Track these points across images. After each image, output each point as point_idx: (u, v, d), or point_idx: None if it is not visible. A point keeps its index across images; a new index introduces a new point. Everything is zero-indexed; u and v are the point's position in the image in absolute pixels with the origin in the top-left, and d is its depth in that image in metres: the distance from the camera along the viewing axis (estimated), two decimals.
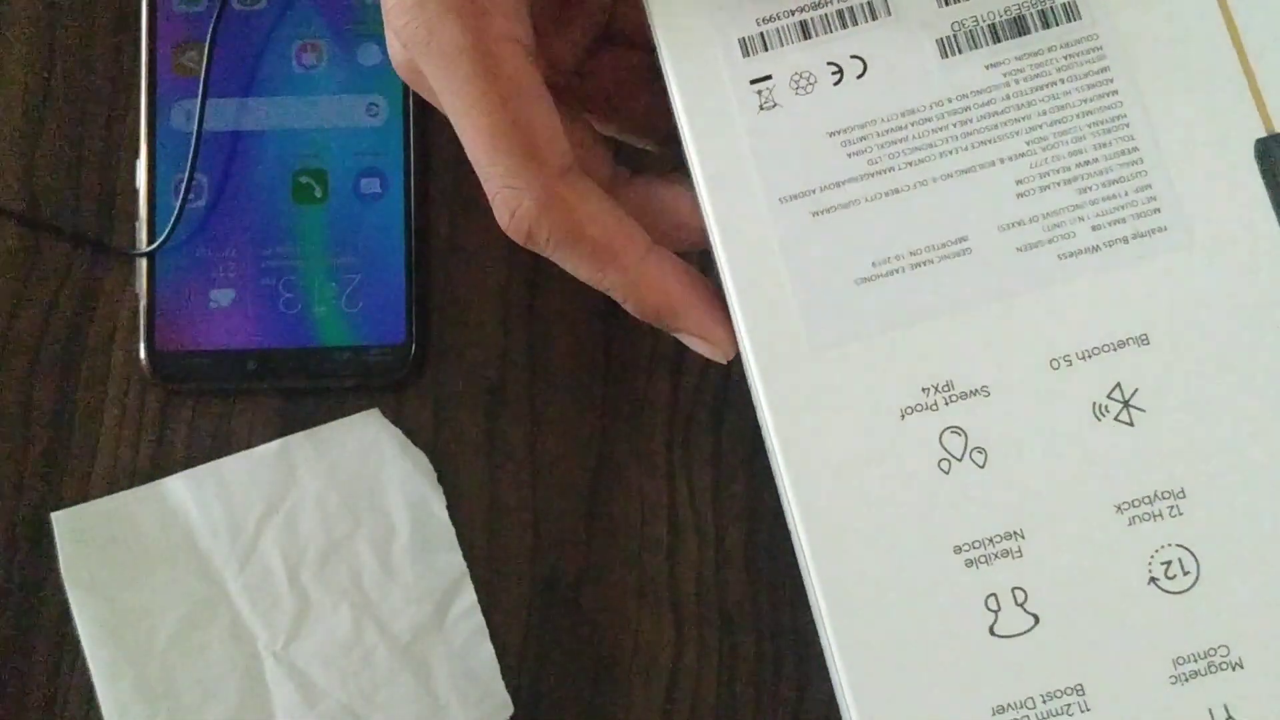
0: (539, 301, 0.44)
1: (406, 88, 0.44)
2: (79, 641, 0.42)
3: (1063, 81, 0.30)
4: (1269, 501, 0.29)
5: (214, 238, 0.44)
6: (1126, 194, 0.30)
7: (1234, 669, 0.28)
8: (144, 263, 0.44)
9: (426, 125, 0.45)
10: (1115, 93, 0.30)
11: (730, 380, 0.44)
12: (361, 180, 0.44)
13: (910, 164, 0.30)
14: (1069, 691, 0.28)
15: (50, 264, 0.44)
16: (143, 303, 0.43)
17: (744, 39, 0.31)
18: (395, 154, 0.44)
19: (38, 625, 0.43)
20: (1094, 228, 0.30)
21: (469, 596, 0.42)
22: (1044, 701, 0.28)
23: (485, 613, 0.43)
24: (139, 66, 0.44)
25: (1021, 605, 0.29)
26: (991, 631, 0.29)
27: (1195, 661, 0.28)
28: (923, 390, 0.29)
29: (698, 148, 0.31)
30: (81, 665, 0.42)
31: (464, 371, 0.44)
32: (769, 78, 0.31)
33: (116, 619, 0.41)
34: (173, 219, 0.43)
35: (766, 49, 0.31)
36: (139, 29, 0.44)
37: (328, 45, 0.45)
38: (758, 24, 0.31)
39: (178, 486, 0.42)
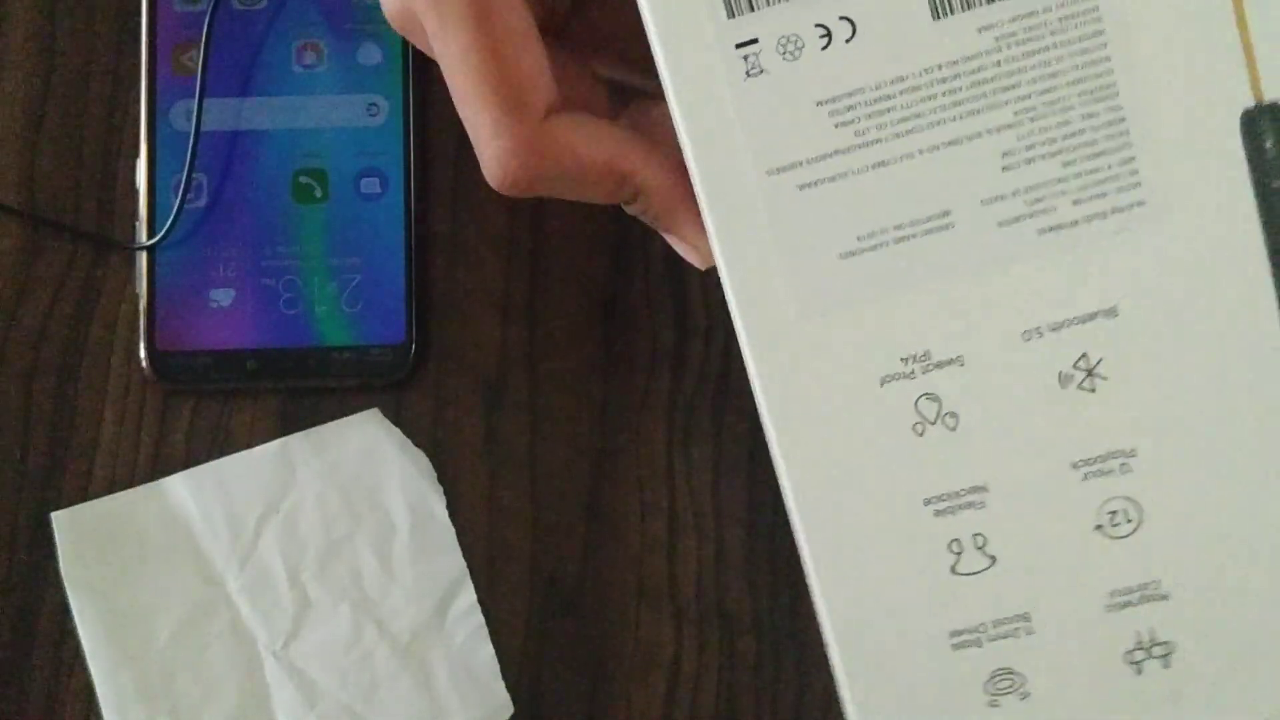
0: (539, 301, 0.44)
1: (407, 89, 0.44)
2: (79, 641, 0.42)
3: (1055, 46, 0.30)
4: (1210, 460, 0.31)
5: (214, 237, 0.44)
6: (1110, 167, 0.30)
7: (1163, 599, 0.32)
8: (144, 262, 0.44)
9: (426, 125, 0.45)
10: (1108, 59, 0.30)
11: (730, 380, 0.44)
12: (361, 180, 0.44)
13: (897, 135, 0.30)
14: (1017, 619, 0.32)
15: (50, 264, 0.44)
16: (143, 302, 0.43)
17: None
18: (395, 154, 0.44)
19: (38, 625, 0.43)
20: (1075, 202, 0.30)
21: (469, 596, 0.42)
22: (995, 626, 0.32)
23: (485, 613, 0.43)
24: (139, 66, 0.44)
25: (981, 549, 0.32)
26: (953, 570, 0.32)
27: (1129, 594, 0.32)
28: (901, 360, 0.31)
29: (684, 116, 0.30)
30: (81, 665, 0.42)
31: (464, 371, 0.44)
32: (755, 41, 0.30)
33: (116, 619, 0.41)
34: (172, 215, 0.43)
35: (753, 9, 0.30)
36: (139, 28, 0.44)
37: (328, 45, 0.45)
38: None
39: (178, 486, 0.42)
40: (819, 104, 0.30)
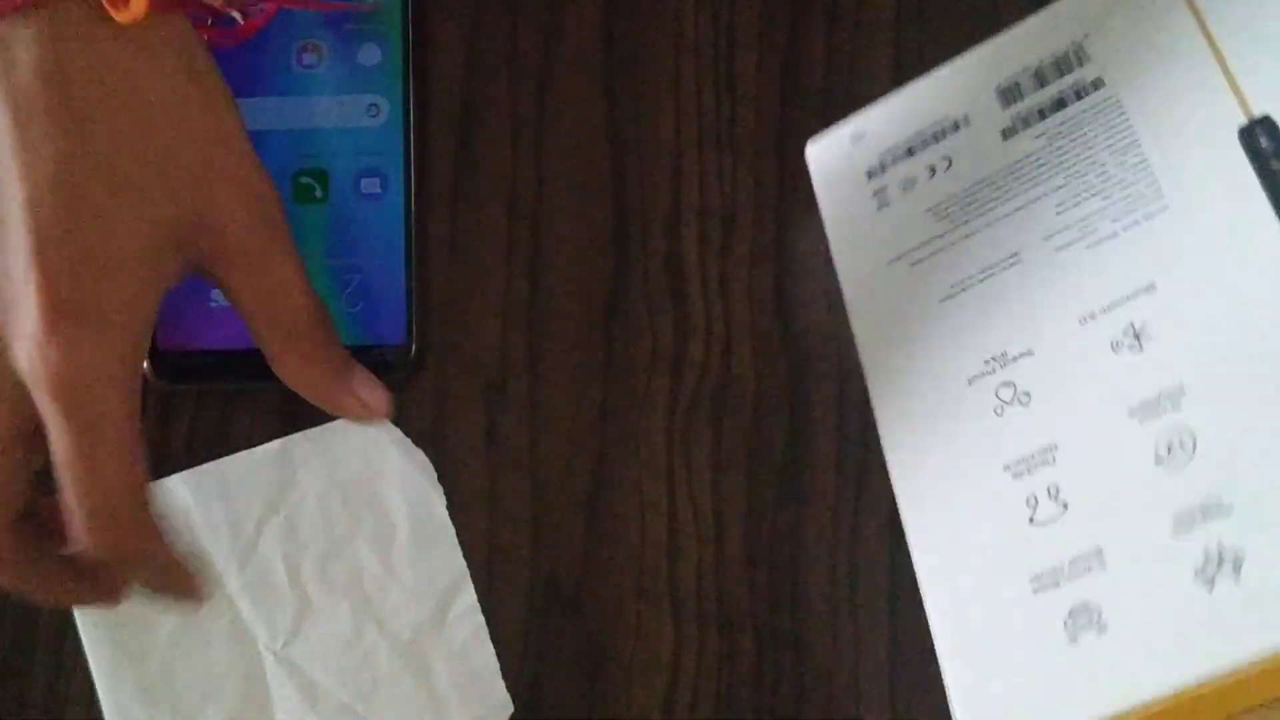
0: (539, 301, 0.44)
1: (407, 89, 0.44)
2: (79, 642, 0.42)
3: (1091, 132, 0.39)
4: (1251, 382, 0.35)
5: None
6: (1139, 193, 0.38)
7: (1227, 512, 0.34)
8: None
9: (426, 125, 0.45)
10: (1130, 127, 0.39)
11: (730, 380, 0.44)
12: (362, 180, 0.44)
13: (980, 214, 0.40)
14: (1090, 555, 0.35)
15: None
16: None
17: (870, 169, 0.43)
18: (395, 154, 0.44)
19: (38, 626, 0.43)
20: (1113, 219, 0.38)
21: (469, 596, 0.42)
22: (1070, 565, 0.35)
23: (485, 613, 0.43)
24: None
25: (1053, 498, 0.36)
26: (1030, 521, 0.36)
27: (1193, 513, 0.34)
28: (984, 362, 0.39)
29: (834, 236, 0.43)
30: (82, 665, 0.42)
31: (464, 371, 0.44)
32: (885, 187, 0.42)
33: (116, 619, 0.41)
34: None
35: (884, 171, 0.43)
36: None
37: (328, 46, 0.45)
38: (878, 157, 0.43)
39: (178, 486, 0.42)
40: (926, 210, 0.41)
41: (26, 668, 0.43)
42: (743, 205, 0.45)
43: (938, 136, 0.42)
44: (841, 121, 0.44)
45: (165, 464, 0.44)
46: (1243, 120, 0.36)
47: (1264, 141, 0.36)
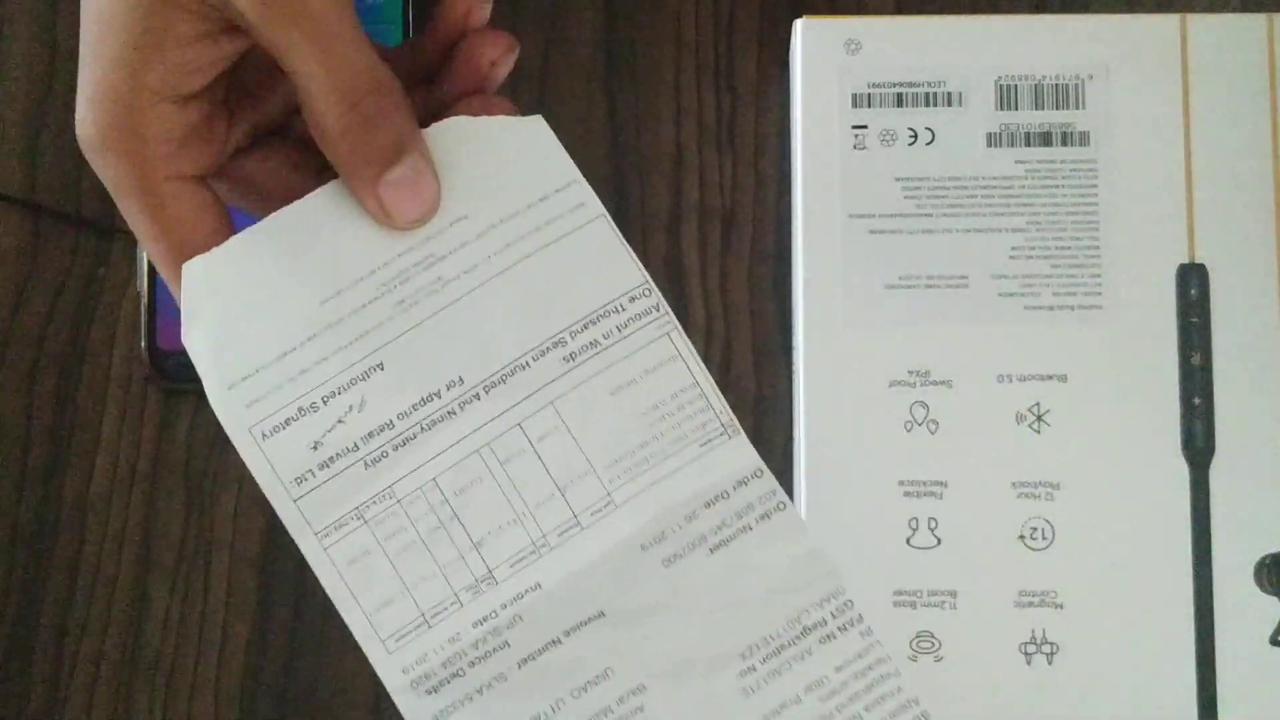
0: None
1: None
2: (78, 643, 0.42)
3: (1063, 186, 0.43)
4: (1113, 494, 0.41)
5: None
6: (1082, 278, 0.42)
7: (1057, 609, 0.41)
8: (145, 261, 0.44)
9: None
10: (1096, 204, 0.43)
11: (729, 379, 0.44)
12: None
13: (946, 214, 0.43)
14: (946, 594, 0.41)
15: (52, 263, 0.44)
16: (144, 302, 0.44)
17: (856, 94, 0.43)
18: None
19: (38, 625, 0.43)
20: (1054, 293, 0.42)
21: None
22: (929, 595, 0.41)
23: None
24: None
25: (932, 530, 0.42)
26: (908, 542, 0.42)
27: (1032, 597, 0.41)
28: (908, 372, 0.42)
29: (803, 163, 0.43)
30: (81, 666, 0.42)
31: None
32: (865, 127, 0.43)
33: None
34: None
35: (869, 106, 0.43)
36: None
37: None
38: (867, 86, 0.43)
39: None
40: (897, 179, 0.43)
41: (27, 668, 0.43)
42: (743, 205, 0.45)
43: (929, 100, 0.43)
44: (843, 18, 0.44)
45: (165, 464, 0.44)
46: (1185, 259, 0.42)
47: (1193, 290, 0.42)
